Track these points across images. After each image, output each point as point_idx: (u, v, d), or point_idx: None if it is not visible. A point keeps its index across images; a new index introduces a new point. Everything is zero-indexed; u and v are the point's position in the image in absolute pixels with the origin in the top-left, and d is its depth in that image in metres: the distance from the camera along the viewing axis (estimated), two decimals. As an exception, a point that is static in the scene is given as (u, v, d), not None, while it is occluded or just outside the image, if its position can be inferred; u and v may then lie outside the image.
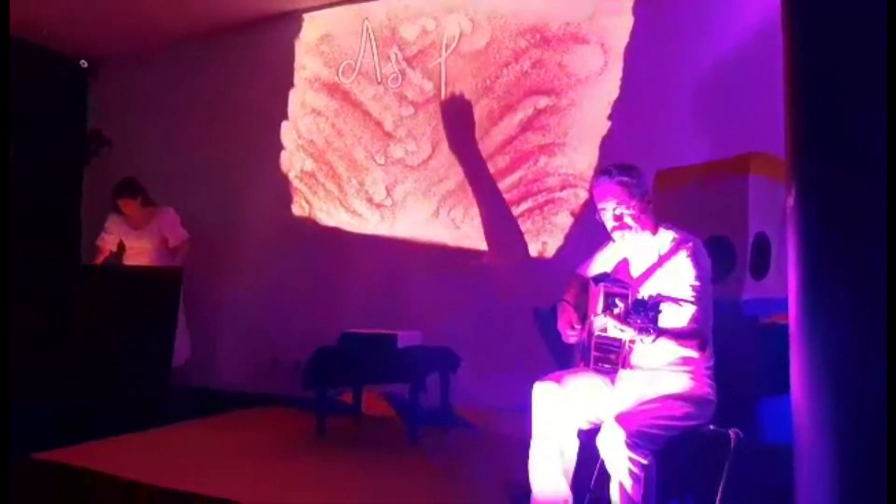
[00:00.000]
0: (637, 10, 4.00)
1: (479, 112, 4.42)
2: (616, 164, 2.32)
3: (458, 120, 4.46)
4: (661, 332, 1.98)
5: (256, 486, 2.94)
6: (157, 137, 5.51)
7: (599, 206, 2.28)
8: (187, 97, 5.44)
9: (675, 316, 2.04)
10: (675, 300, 2.01)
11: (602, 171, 2.35)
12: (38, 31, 5.26)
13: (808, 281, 1.53)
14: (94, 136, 5.76)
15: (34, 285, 3.91)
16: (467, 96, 4.45)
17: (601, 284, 2.23)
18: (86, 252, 5.12)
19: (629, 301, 2.03)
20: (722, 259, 2.54)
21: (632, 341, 2.11)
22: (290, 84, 5.08)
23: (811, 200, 1.49)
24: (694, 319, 2.09)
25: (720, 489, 2.05)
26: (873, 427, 1.38)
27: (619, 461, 1.97)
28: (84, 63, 5.94)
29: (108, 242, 4.74)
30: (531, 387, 2.25)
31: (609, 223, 2.27)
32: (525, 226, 4.24)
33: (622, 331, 2.05)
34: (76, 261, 5.14)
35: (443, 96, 4.53)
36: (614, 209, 2.24)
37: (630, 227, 2.24)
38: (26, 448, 3.33)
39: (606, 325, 2.12)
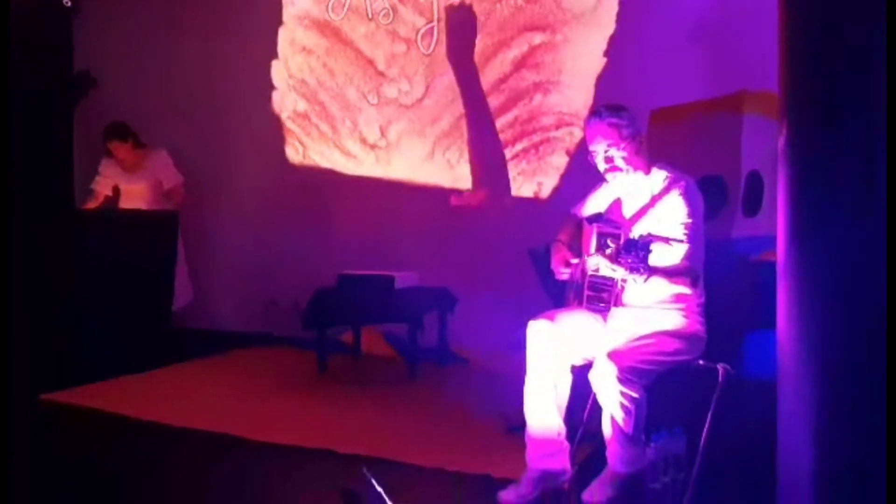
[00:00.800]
0: (633, -58, 3.90)
1: (474, 48, 4.35)
2: (606, 105, 2.31)
3: (460, 54, 4.36)
4: (652, 271, 2.02)
5: (259, 422, 3.04)
6: (146, 77, 5.40)
7: (591, 147, 2.29)
8: (175, 35, 5.30)
9: (666, 255, 2.07)
10: (666, 239, 2.04)
11: (593, 112, 2.34)
12: (17, -32, 5.09)
13: (796, 220, 1.56)
14: (81, 77, 5.64)
15: (30, 233, 3.91)
16: (464, 31, 4.35)
17: (594, 225, 2.26)
18: (80, 196, 5.10)
19: (621, 241, 2.06)
20: (715, 197, 2.56)
21: (623, 280, 2.15)
22: (280, 21, 4.96)
23: (802, 141, 1.50)
24: (686, 258, 2.13)
25: (707, 422, 2.13)
26: (853, 361, 1.44)
27: (611, 395, 2.04)
28: (68, 1, 5.77)
29: (103, 186, 4.73)
30: (525, 324, 2.30)
31: (601, 165, 2.28)
32: (520, 166, 4.24)
33: (614, 270, 2.09)
34: (71, 206, 5.11)
35: (435, 33, 4.45)
36: (605, 151, 2.24)
37: (621, 169, 2.25)
38: (33, 389, 3.42)
39: (599, 265, 2.16)
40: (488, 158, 4.33)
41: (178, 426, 2.99)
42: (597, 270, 2.21)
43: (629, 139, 2.24)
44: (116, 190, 4.76)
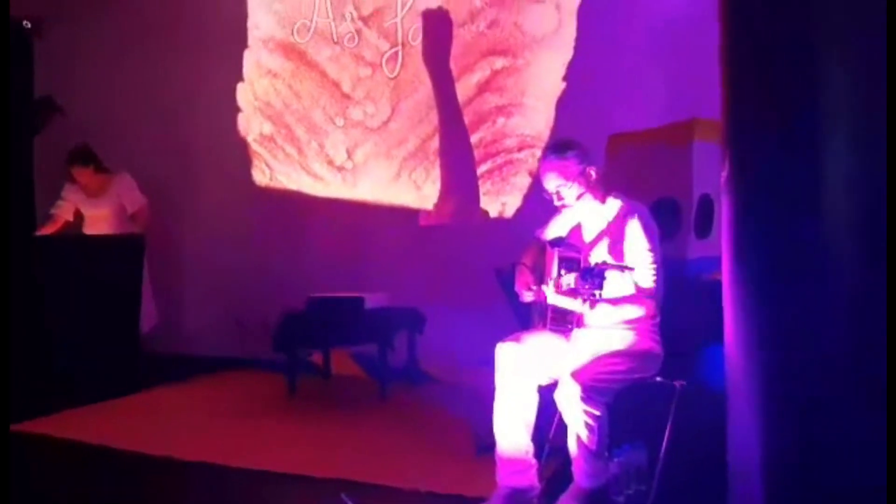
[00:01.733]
0: (590, -31, 4.06)
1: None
2: (552, 146, 2.45)
3: (437, 70, 4.45)
4: (607, 301, 2.15)
5: (232, 448, 3.05)
6: (109, 99, 5.39)
7: (544, 185, 2.40)
8: (139, 58, 5.32)
9: (620, 281, 2.19)
10: (621, 267, 2.16)
11: (542, 153, 2.46)
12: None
13: (737, 239, 1.69)
14: (46, 103, 5.59)
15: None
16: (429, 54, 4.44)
17: (556, 249, 2.37)
18: (40, 221, 5.05)
19: (579, 267, 2.17)
20: (669, 220, 2.69)
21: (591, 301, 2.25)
22: (245, 44, 5.01)
23: (743, 177, 1.62)
24: (642, 282, 2.24)
25: (666, 435, 2.24)
26: (791, 361, 1.57)
27: (575, 414, 2.13)
28: (27, 23, 5.72)
29: (64, 211, 4.67)
30: (493, 343, 2.38)
31: (555, 202, 2.40)
32: (485, 187, 4.35)
33: (572, 301, 2.22)
34: (32, 232, 5.05)
35: (399, 57, 4.54)
36: (555, 190, 2.36)
37: (572, 206, 2.37)
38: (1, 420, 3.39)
39: (557, 301, 2.28)
40: (457, 175, 4.42)
41: (148, 453, 2.99)
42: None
43: (578, 176, 2.34)
44: (78, 215, 4.72)
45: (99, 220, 4.68)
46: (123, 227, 4.66)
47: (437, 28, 4.40)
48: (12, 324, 3.79)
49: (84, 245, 4.45)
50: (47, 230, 4.64)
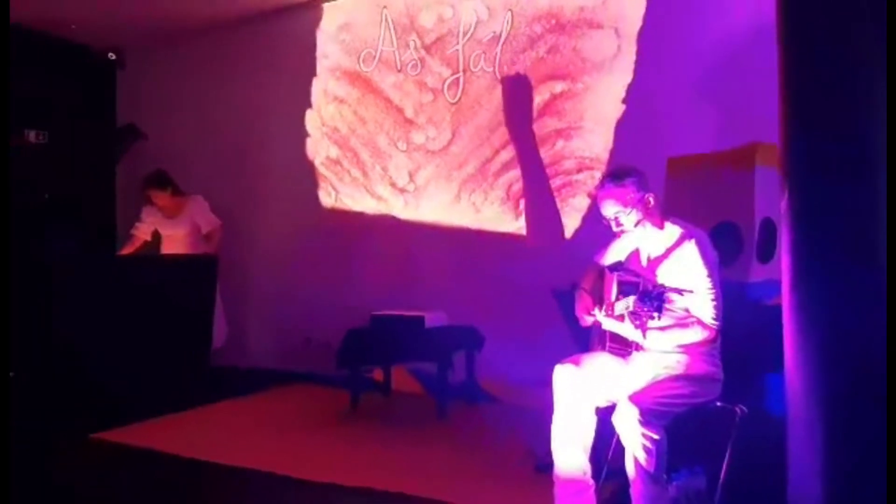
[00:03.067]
0: (650, -6, 4.09)
1: (497, 97, 4.55)
2: (611, 173, 2.47)
3: (515, 99, 4.51)
4: (662, 328, 2.17)
5: (295, 459, 3.18)
6: (186, 127, 5.72)
7: (602, 212, 2.43)
8: (214, 86, 5.63)
9: (679, 306, 2.21)
10: (679, 290, 2.17)
11: (600, 182, 2.49)
12: (65, 25, 5.45)
13: (797, 268, 1.70)
14: (129, 130, 5.95)
15: (74, 279, 4.12)
16: (516, 77, 4.50)
17: (615, 273, 2.41)
18: (121, 242, 5.36)
19: (639, 289, 2.20)
20: (730, 244, 2.69)
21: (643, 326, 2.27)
22: (313, 73, 5.23)
23: (801, 205, 1.64)
24: (701, 306, 2.25)
25: (726, 460, 2.23)
26: (852, 393, 1.57)
27: (633, 437, 2.15)
28: (112, 56, 6.12)
29: (142, 231, 4.97)
30: (551, 362, 2.43)
31: (613, 228, 2.43)
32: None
33: (627, 329, 2.26)
34: (114, 251, 5.36)
35: (461, 83, 4.66)
36: (614, 217, 2.39)
37: (630, 232, 2.40)
38: (80, 428, 3.62)
39: (616, 328, 2.32)
40: (539, 201, 4.45)
41: (215, 461, 3.14)
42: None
43: (636, 202, 2.37)
44: (156, 235, 5.00)
45: (175, 240, 4.95)
46: (198, 246, 4.92)
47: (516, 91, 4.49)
48: (98, 335, 4.05)
49: (162, 265, 4.71)
50: (127, 249, 4.94)
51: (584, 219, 4.26)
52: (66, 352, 3.96)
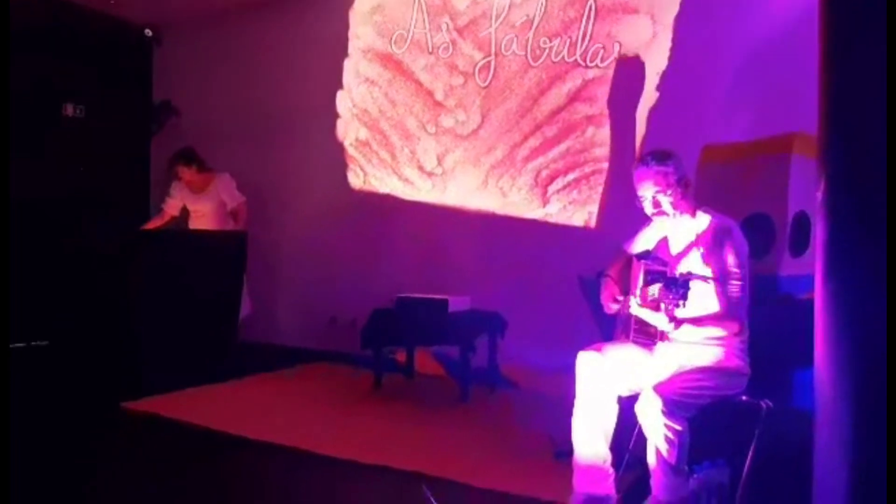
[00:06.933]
0: (688, -20, 4.00)
1: (528, 81, 4.51)
2: (653, 152, 2.41)
3: (545, 84, 4.44)
4: (690, 320, 2.14)
5: (319, 435, 3.23)
6: (219, 105, 5.77)
7: (639, 193, 2.39)
8: (247, 66, 5.67)
9: (706, 294, 2.18)
10: (705, 278, 2.14)
11: (640, 159, 2.45)
12: (104, 0, 5.52)
13: (830, 259, 1.66)
14: (164, 107, 6.03)
15: (109, 253, 4.20)
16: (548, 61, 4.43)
17: (642, 262, 2.38)
18: (153, 215, 5.45)
19: (665, 279, 2.18)
20: (762, 236, 2.64)
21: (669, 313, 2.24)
22: (345, 53, 5.23)
23: (838, 198, 1.60)
24: (729, 298, 2.22)
25: (750, 455, 2.21)
26: (884, 394, 1.53)
27: (656, 427, 2.14)
28: (149, 32, 6.19)
29: (170, 206, 5.04)
30: (573, 349, 2.41)
31: (648, 209, 2.39)
32: (572, 195, 4.36)
33: (654, 317, 2.23)
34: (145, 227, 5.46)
35: (492, 67, 4.63)
36: (653, 197, 2.35)
37: (668, 214, 2.36)
38: (110, 398, 3.72)
39: (641, 313, 2.29)
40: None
41: (240, 435, 3.21)
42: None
43: (675, 185, 2.33)
44: (184, 210, 5.07)
45: (202, 215, 5.01)
46: (225, 222, 4.97)
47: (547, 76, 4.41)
48: (129, 310, 4.14)
49: (193, 240, 4.78)
50: (155, 223, 5.03)
51: (612, 206, 4.22)
52: (102, 324, 4.06)
